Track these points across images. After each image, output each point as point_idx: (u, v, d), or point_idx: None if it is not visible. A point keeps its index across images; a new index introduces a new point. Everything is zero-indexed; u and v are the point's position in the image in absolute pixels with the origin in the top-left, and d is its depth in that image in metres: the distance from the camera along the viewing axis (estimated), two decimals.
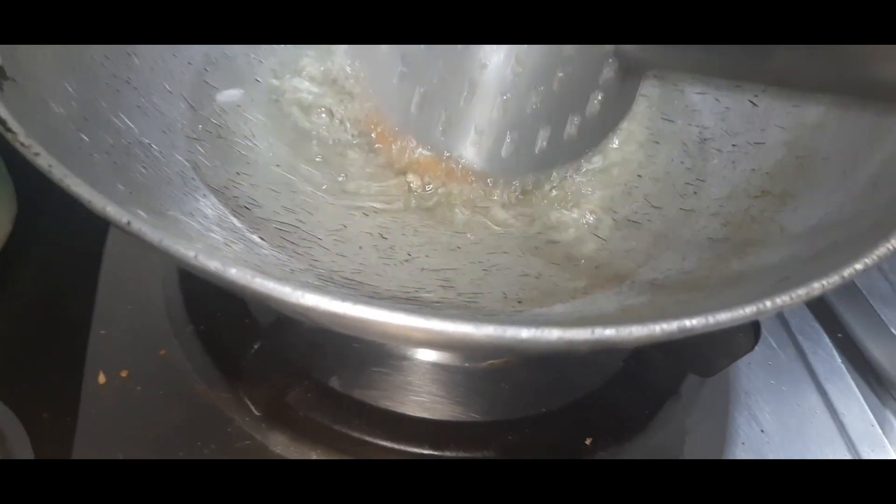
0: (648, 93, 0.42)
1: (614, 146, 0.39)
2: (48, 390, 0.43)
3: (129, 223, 0.21)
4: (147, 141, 0.33)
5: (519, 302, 0.32)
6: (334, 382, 0.38)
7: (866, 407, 0.42)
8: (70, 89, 0.31)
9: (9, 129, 0.22)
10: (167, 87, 0.37)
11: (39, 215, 0.51)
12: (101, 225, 0.49)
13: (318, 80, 0.41)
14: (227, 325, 0.39)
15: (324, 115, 0.39)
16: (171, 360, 0.38)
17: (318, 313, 0.21)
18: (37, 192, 0.51)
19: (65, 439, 0.39)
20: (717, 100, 0.41)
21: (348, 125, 0.39)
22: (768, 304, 0.22)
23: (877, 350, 0.46)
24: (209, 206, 0.33)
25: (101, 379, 0.38)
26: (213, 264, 0.20)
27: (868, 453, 0.39)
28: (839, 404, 0.42)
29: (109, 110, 0.33)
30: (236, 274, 0.20)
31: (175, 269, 0.42)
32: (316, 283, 0.31)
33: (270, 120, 0.39)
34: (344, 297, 0.20)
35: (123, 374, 0.38)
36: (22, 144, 0.22)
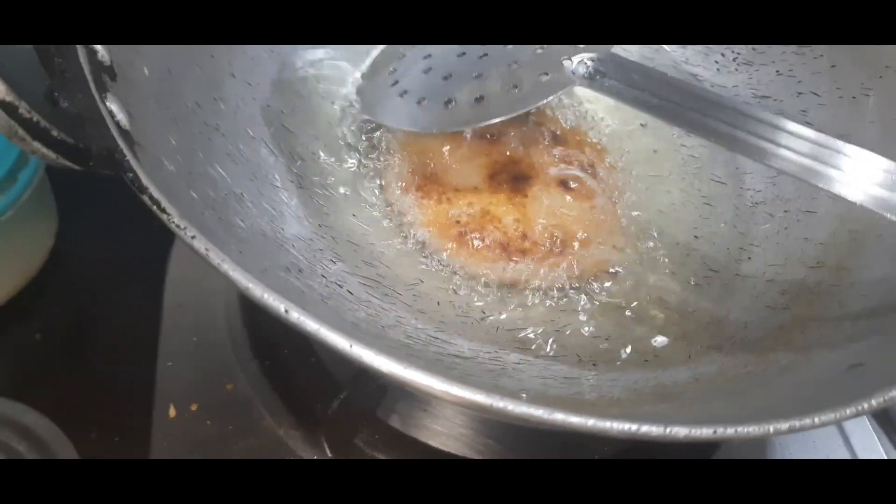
0: (699, 153, 0.44)
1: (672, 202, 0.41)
2: (92, 408, 0.44)
3: (286, 311, 0.22)
4: (239, 191, 0.34)
5: (594, 365, 0.34)
6: (395, 421, 0.40)
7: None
8: (173, 142, 0.32)
9: (163, 210, 0.23)
10: (250, 132, 0.38)
11: (81, 230, 0.52)
12: (140, 240, 0.50)
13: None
14: (294, 361, 0.40)
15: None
16: (238, 395, 0.40)
17: (452, 398, 0.22)
18: (77, 206, 0.52)
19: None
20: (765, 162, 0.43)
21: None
22: (865, 405, 0.24)
23: None
24: (301, 260, 0.34)
25: (172, 412, 0.39)
26: (366, 354, 0.22)
27: None
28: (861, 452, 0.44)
29: (206, 161, 0.34)
30: (388, 364, 0.22)
31: (237, 300, 0.43)
32: (406, 341, 0.32)
33: (343, 168, 0.40)
34: (490, 391, 0.22)
35: (193, 407, 0.39)
36: (177, 226, 0.23)
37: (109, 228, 0.52)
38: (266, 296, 0.22)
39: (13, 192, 0.43)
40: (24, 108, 0.21)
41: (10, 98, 0.20)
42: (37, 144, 0.22)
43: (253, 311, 0.42)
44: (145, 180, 0.24)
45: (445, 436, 0.40)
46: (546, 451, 0.40)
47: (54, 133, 0.22)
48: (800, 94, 0.44)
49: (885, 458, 0.44)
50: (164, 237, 0.46)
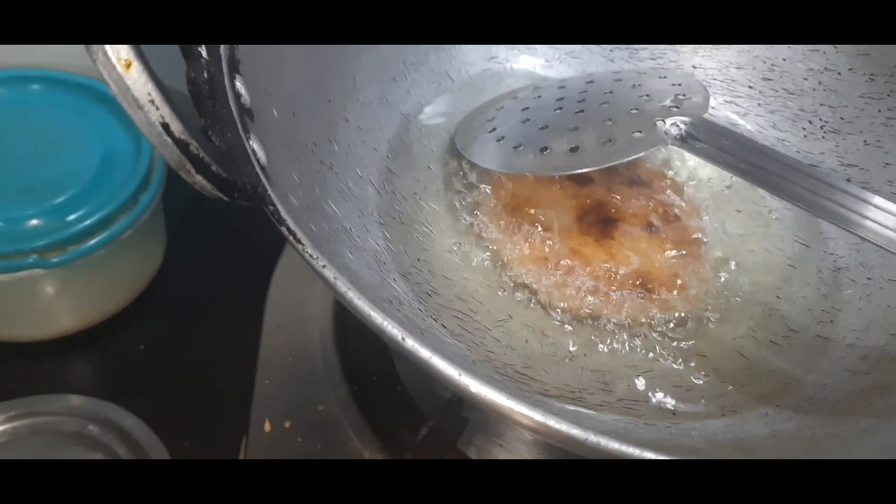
0: (782, 216, 0.45)
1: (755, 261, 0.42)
2: (188, 418, 0.47)
3: (403, 339, 0.25)
4: (348, 226, 0.37)
5: (674, 414, 0.35)
6: (472, 453, 0.41)
7: None
8: (296, 178, 0.35)
9: (298, 241, 0.26)
10: (359, 172, 0.41)
11: (187, 251, 0.56)
12: (242, 264, 0.54)
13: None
14: (380, 388, 0.43)
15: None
16: (328, 416, 0.42)
17: (544, 433, 0.24)
18: (186, 229, 0.56)
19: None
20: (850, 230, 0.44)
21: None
22: None
23: None
24: (402, 293, 0.36)
25: (267, 427, 0.41)
26: (487, 392, 0.24)
27: None
28: None
29: (321, 197, 0.37)
30: (506, 402, 0.24)
31: (331, 326, 0.46)
32: (495, 376, 0.34)
33: (441, 208, 0.43)
34: (587, 429, 0.23)
35: (286, 424, 0.42)
36: (310, 256, 0.26)
37: (214, 251, 0.57)
38: (385, 324, 0.25)
39: (134, 212, 0.48)
40: (193, 146, 0.24)
41: (184, 136, 0.24)
42: (199, 177, 0.25)
43: (345, 338, 0.45)
44: (283, 213, 0.27)
45: None
46: None
47: (213, 168, 0.25)
48: (887, 164, 0.45)
49: None
50: (266, 262, 0.50)
